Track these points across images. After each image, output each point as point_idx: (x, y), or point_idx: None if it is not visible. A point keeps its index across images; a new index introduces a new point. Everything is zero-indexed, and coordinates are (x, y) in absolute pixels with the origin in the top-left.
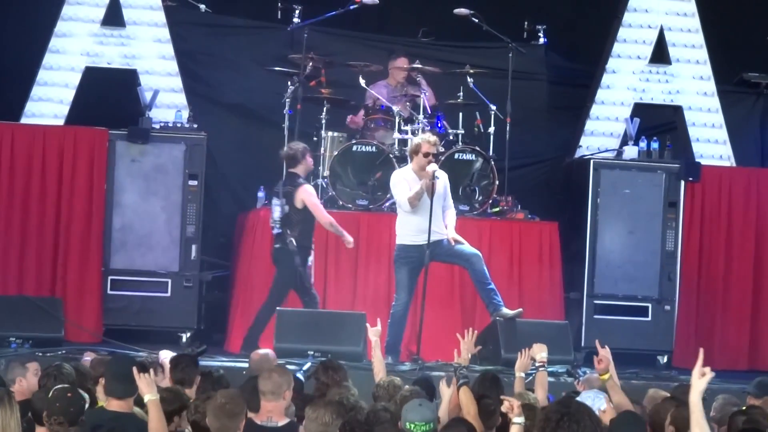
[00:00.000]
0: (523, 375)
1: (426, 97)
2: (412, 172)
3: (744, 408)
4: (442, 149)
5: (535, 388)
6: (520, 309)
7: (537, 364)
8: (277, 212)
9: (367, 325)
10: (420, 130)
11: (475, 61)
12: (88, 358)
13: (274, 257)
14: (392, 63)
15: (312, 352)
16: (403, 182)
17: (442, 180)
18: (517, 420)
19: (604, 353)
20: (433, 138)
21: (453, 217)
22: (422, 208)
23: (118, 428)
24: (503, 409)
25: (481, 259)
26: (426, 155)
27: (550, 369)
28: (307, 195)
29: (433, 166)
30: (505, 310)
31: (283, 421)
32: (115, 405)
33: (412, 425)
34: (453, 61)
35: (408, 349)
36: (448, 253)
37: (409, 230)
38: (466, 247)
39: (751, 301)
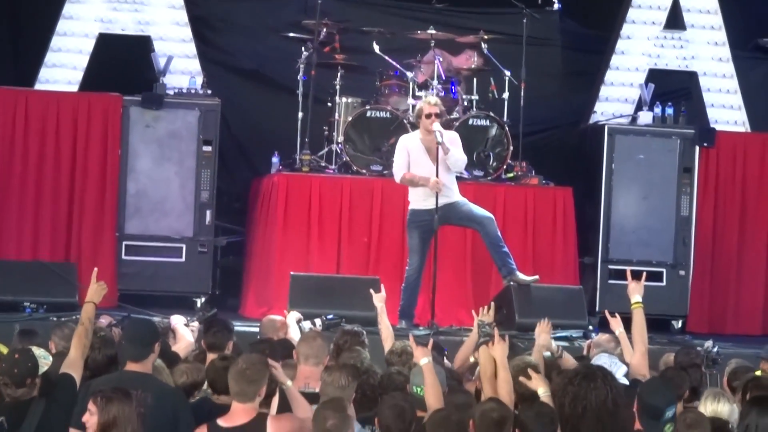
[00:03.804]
0: (548, 353)
1: (440, 63)
2: (418, 139)
3: (758, 373)
4: (443, 109)
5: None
6: (536, 276)
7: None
8: None
9: (371, 291)
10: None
11: (490, 27)
12: (103, 321)
13: None
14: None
15: (323, 317)
16: (403, 151)
17: (448, 136)
18: (542, 392)
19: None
20: (434, 99)
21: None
22: (429, 173)
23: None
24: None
25: (493, 222)
26: (428, 116)
27: (564, 334)
28: None
29: (437, 126)
30: (520, 276)
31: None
32: (133, 367)
33: (419, 389)
34: (467, 27)
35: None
36: (460, 216)
37: (418, 194)
38: (479, 210)
39: (765, 266)
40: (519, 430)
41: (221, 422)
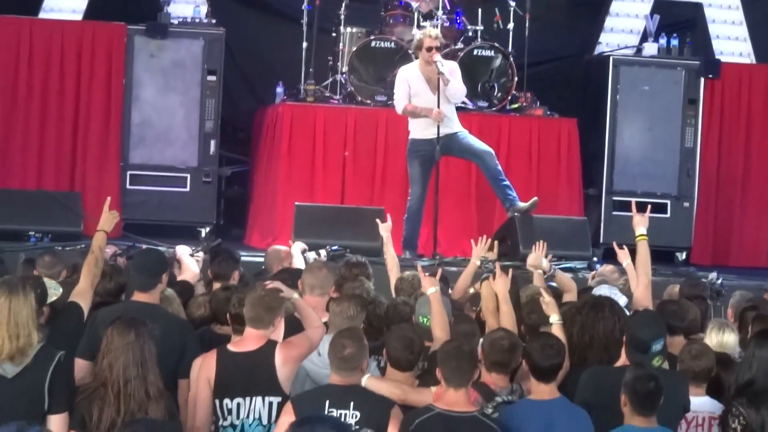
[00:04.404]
0: (541, 272)
1: None
2: (418, 69)
3: (755, 303)
4: (444, 41)
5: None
6: (535, 198)
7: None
8: None
9: (377, 221)
10: (439, 26)
11: None
12: (109, 250)
13: None
14: None
15: (327, 248)
16: (404, 82)
17: (448, 67)
18: (553, 319)
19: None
20: (435, 31)
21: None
22: (428, 103)
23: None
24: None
25: (493, 156)
26: (429, 49)
27: (569, 265)
28: None
29: (437, 57)
30: (520, 204)
31: (325, 318)
32: (140, 297)
33: (425, 319)
34: None
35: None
36: (461, 148)
37: (418, 124)
38: (478, 144)
39: None
40: (526, 360)
41: (231, 347)
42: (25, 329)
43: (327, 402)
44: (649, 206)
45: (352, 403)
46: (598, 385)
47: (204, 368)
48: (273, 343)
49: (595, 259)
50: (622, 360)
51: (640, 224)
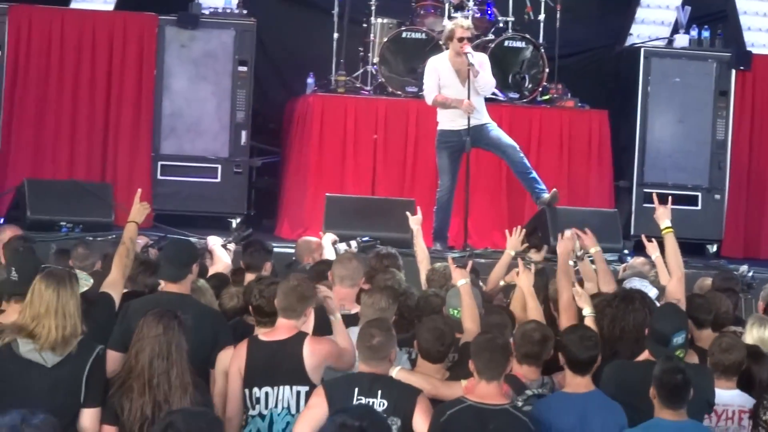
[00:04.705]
0: (572, 262)
1: None
2: (447, 59)
3: None
4: (475, 32)
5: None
6: (554, 190)
7: (579, 254)
8: None
9: (407, 213)
10: (470, 17)
11: None
12: (140, 241)
13: None
14: None
15: (358, 239)
16: (433, 73)
17: (477, 59)
18: (586, 312)
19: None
20: (467, 22)
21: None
22: (458, 95)
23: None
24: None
25: (517, 150)
26: (460, 40)
27: None
28: None
29: (468, 49)
30: (545, 196)
31: (355, 309)
32: (171, 288)
33: (455, 311)
34: None
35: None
36: (487, 142)
37: (447, 115)
38: (504, 137)
39: None
40: (563, 353)
41: (262, 336)
42: (72, 319)
43: (356, 390)
44: (670, 197)
45: (379, 392)
46: (620, 378)
47: (236, 358)
48: (303, 334)
49: (626, 251)
50: (645, 354)
51: (664, 216)
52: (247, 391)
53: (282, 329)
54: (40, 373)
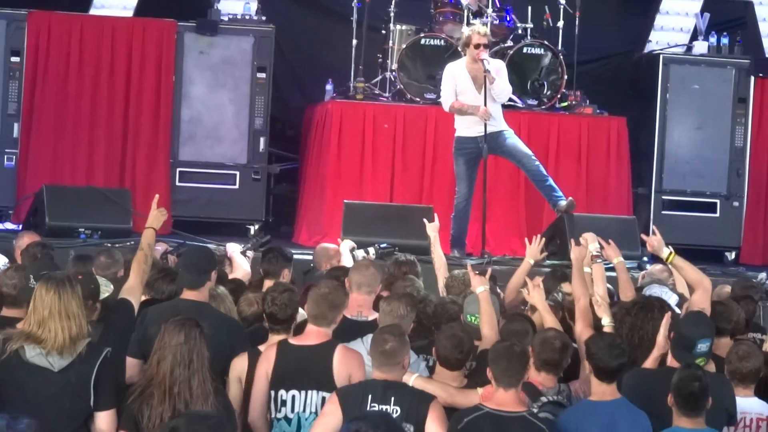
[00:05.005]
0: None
1: None
2: (464, 66)
3: None
4: (492, 39)
5: (594, 281)
6: (570, 198)
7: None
8: None
9: (425, 220)
10: (488, 24)
11: None
12: (159, 248)
13: None
14: None
15: (376, 246)
16: (450, 80)
17: (494, 66)
18: (605, 321)
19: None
20: (483, 29)
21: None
22: (474, 101)
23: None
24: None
25: (532, 159)
26: (477, 46)
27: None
28: None
29: (484, 55)
30: (562, 203)
31: (372, 316)
32: (189, 295)
33: (473, 318)
34: None
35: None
36: (503, 150)
37: (463, 122)
38: (520, 145)
39: None
40: (590, 361)
41: (292, 340)
42: (77, 320)
43: (370, 396)
44: (654, 228)
45: (392, 399)
46: (639, 386)
47: (264, 361)
48: (334, 342)
49: (645, 258)
50: (668, 361)
51: (660, 246)
52: (273, 392)
53: (312, 335)
54: (47, 377)
